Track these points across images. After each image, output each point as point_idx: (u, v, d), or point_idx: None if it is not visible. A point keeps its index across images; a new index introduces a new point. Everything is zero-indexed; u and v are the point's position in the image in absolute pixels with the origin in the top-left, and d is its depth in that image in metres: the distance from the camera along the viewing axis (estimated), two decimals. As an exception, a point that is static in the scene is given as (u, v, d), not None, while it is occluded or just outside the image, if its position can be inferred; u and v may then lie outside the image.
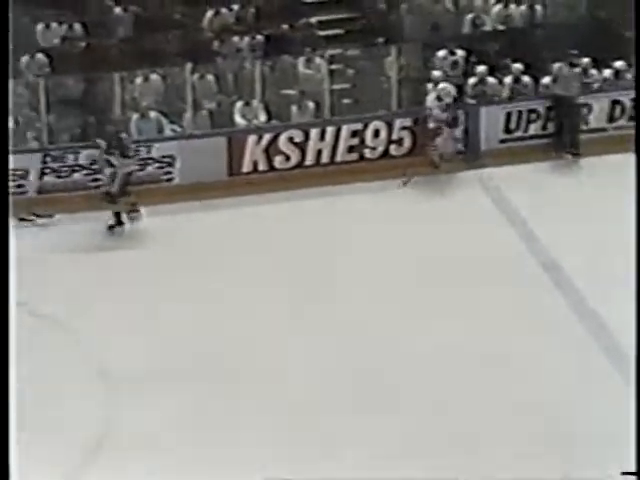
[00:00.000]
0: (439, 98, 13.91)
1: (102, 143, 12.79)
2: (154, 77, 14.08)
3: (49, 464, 8.96)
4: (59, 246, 12.38)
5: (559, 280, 11.52)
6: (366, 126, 13.97)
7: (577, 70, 14.12)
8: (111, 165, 12.80)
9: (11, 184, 13.12)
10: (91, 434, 9.38)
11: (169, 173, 13.57)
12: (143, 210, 12.74)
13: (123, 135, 12.91)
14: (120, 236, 12.66)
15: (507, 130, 14.24)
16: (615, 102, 14.27)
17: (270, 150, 13.83)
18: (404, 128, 14.04)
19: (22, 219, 12.74)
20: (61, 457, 9.12)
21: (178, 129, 13.88)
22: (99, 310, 11.08)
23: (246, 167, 13.82)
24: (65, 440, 9.27)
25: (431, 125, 13.86)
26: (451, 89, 14.07)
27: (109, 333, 10.73)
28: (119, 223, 12.73)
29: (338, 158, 13.99)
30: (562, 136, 14.18)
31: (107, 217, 12.72)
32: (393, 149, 14.07)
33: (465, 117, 14.04)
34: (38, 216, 12.88)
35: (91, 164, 13.21)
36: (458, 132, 14.03)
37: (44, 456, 8.94)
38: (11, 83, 13.45)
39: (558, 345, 10.48)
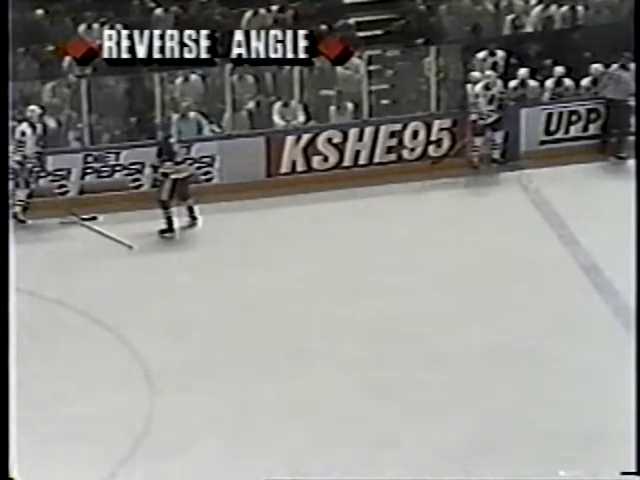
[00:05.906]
0: (487, 87, 13.82)
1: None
2: (194, 77, 14.14)
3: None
4: (103, 246, 12.52)
5: (599, 283, 11.46)
6: (405, 127, 13.96)
7: (629, 72, 14.03)
8: (156, 171, 12.90)
9: (53, 184, 13.33)
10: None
11: (208, 173, 13.63)
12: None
13: (172, 140, 12.94)
14: (171, 240, 12.69)
15: (547, 132, 14.21)
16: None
17: (308, 150, 13.85)
18: (443, 129, 14.03)
19: (62, 222, 12.86)
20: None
21: (217, 129, 13.93)
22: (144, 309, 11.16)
23: (284, 167, 13.85)
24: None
25: (473, 117, 13.78)
26: (498, 80, 13.95)
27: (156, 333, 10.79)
28: (170, 228, 12.73)
29: (376, 159, 13.99)
30: (609, 138, 14.12)
31: (144, 217, 12.78)
32: (432, 150, 14.06)
33: (505, 119, 13.99)
34: (83, 219, 12.92)
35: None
36: (499, 136, 13.98)
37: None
38: (53, 84, 13.88)
39: (598, 348, 10.42)
